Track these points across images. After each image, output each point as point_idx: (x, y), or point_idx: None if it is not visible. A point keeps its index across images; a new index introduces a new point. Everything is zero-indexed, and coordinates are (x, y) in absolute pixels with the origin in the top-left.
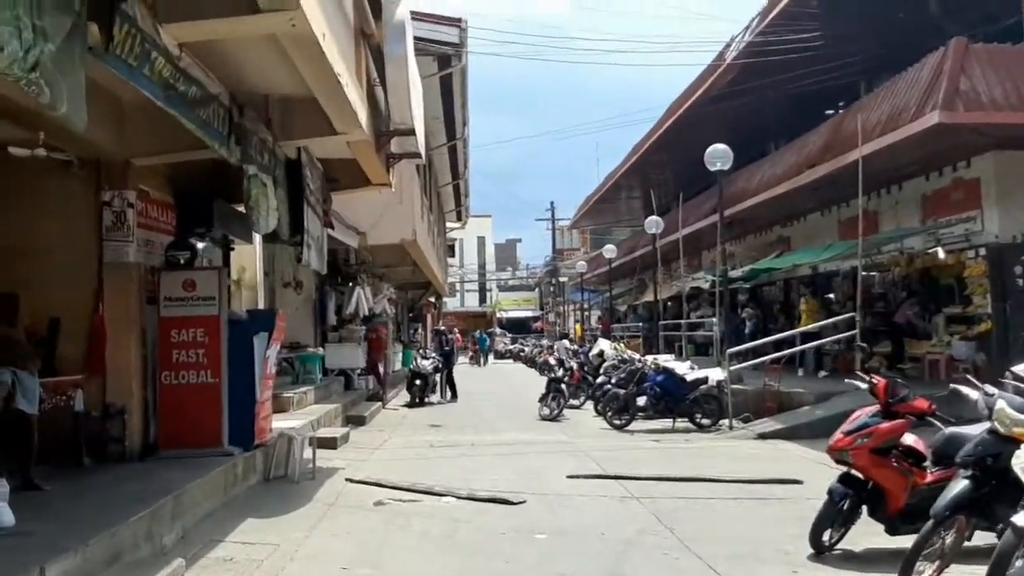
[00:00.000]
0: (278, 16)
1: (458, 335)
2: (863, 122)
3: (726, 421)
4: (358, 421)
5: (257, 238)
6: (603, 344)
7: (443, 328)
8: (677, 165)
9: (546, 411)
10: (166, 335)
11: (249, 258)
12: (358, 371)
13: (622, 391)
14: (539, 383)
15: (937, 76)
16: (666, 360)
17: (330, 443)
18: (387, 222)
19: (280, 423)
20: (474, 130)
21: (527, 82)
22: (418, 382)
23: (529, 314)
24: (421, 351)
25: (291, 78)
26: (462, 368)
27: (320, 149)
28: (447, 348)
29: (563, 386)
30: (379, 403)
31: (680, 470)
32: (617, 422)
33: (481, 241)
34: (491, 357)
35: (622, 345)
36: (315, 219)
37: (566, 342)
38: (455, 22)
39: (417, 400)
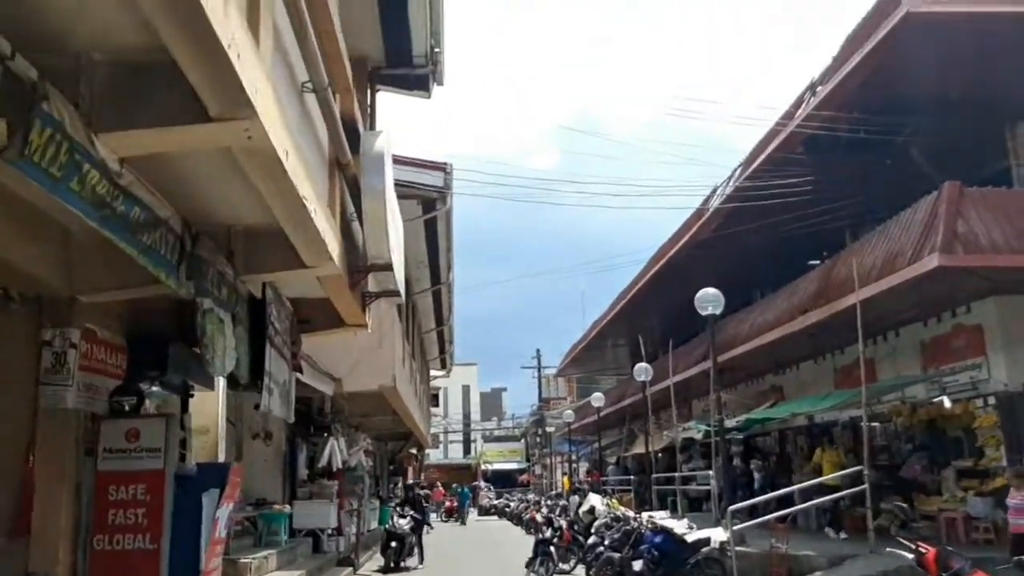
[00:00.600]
0: (231, 126)
1: (440, 489)
2: (857, 267)
3: None
4: None
5: (221, 384)
6: (594, 499)
7: (412, 483)
8: (665, 312)
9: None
10: (103, 492)
11: (212, 406)
12: (329, 531)
13: (617, 555)
14: (526, 543)
15: (933, 219)
16: (663, 518)
17: None
18: (365, 368)
19: None
20: (459, 278)
21: (513, 232)
22: (394, 544)
23: (515, 466)
24: (398, 508)
25: (255, 205)
26: (443, 527)
27: (290, 287)
28: (419, 505)
29: (552, 548)
30: (350, 569)
31: None
32: None
33: (466, 390)
34: (474, 513)
35: (614, 501)
36: (280, 362)
37: (596, 500)
38: (440, 166)
39: (392, 564)
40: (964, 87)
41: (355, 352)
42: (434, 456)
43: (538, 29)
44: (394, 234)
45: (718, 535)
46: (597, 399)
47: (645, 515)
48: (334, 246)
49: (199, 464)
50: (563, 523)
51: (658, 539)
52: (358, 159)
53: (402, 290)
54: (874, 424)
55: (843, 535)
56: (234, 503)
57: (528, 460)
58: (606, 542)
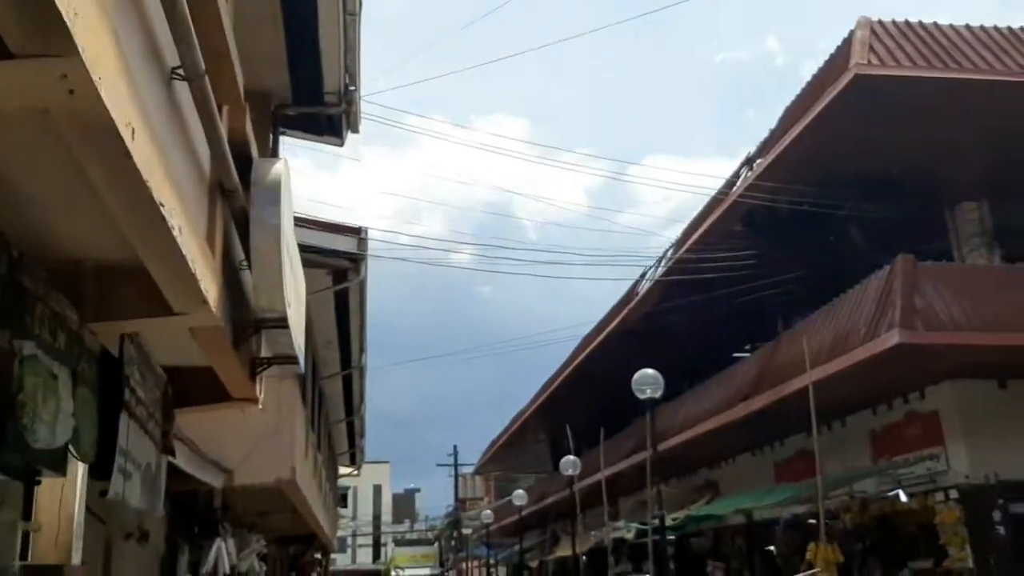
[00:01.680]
0: (40, 67)
1: None
2: (806, 346)
3: None
4: None
5: (80, 471)
6: None
7: None
8: (591, 404)
9: None
10: None
11: (67, 494)
12: None
13: None
14: None
15: (887, 294)
16: None
17: None
18: (260, 457)
19: None
20: (373, 376)
21: (432, 329)
22: None
23: (428, 572)
24: None
25: (107, 232)
26: None
27: (162, 349)
28: None
29: None
30: None
31: None
32: None
33: (377, 490)
34: None
35: None
36: (144, 439)
37: None
38: (354, 230)
39: None
40: (906, 164)
41: (249, 439)
42: (341, 561)
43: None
44: (292, 285)
45: None
46: (519, 497)
47: None
48: (210, 287)
49: (24, 567)
50: None
51: None
52: (249, 194)
53: (301, 358)
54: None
55: None
56: None
57: (442, 565)
58: None
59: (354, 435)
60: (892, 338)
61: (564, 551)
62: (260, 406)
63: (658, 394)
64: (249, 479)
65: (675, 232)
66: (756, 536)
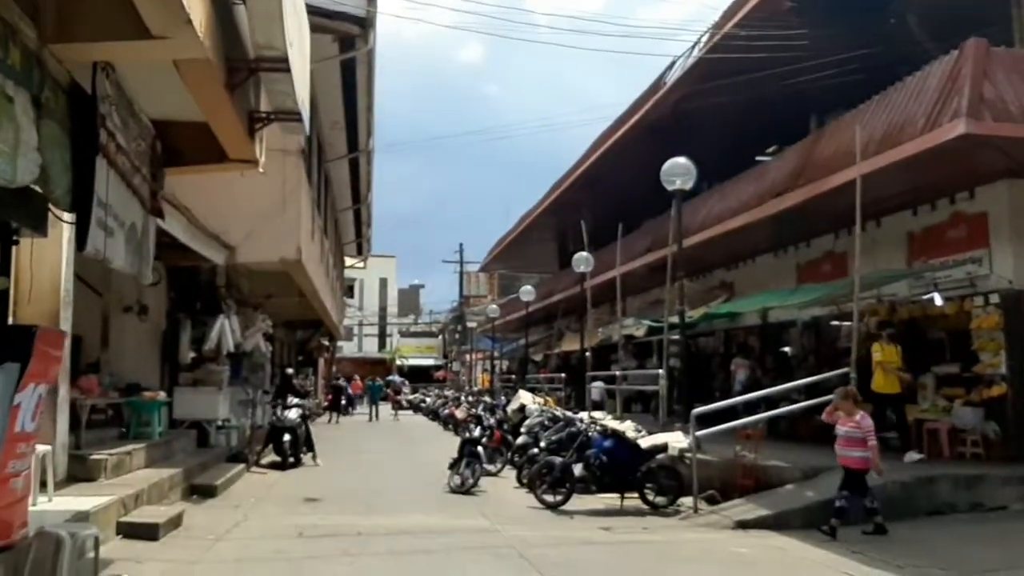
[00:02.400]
0: None
1: (357, 381)
2: (839, 146)
3: (687, 500)
4: (207, 492)
5: (64, 236)
6: (524, 397)
7: (342, 382)
8: (602, 204)
9: (457, 480)
10: None
11: (51, 259)
12: (218, 423)
13: (557, 459)
14: (444, 439)
15: (954, 81)
16: (610, 420)
17: (148, 532)
18: (265, 236)
19: (70, 500)
20: (380, 175)
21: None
22: (287, 437)
23: (432, 362)
24: (278, 400)
25: None
26: (354, 420)
27: (150, 98)
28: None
29: (480, 449)
30: (242, 465)
31: None
32: (550, 499)
33: (383, 283)
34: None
35: (549, 399)
36: (126, 194)
37: (526, 398)
38: None
39: (289, 460)
40: None
41: (254, 217)
42: (348, 349)
43: None
44: (294, 25)
45: (676, 441)
46: (527, 293)
47: (584, 415)
48: (194, 5)
49: None
50: (492, 422)
51: (608, 443)
52: None
53: (305, 114)
54: (846, 323)
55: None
56: (47, 384)
57: (445, 357)
58: (542, 443)
59: (361, 224)
60: (957, 128)
61: (569, 346)
62: (261, 169)
63: (688, 185)
64: (253, 257)
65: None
66: (770, 337)
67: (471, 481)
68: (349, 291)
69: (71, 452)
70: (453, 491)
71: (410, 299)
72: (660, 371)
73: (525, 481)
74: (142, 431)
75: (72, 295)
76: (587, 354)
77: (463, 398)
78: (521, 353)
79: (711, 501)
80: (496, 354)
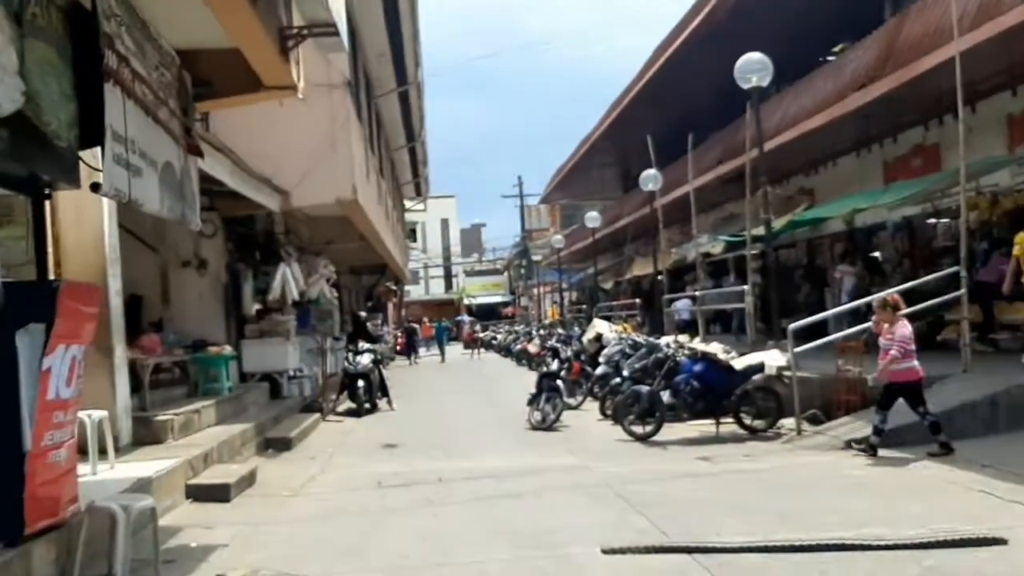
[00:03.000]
0: None
1: (427, 324)
2: (929, 25)
3: (787, 422)
4: (282, 445)
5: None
6: (600, 326)
7: (361, 313)
8: (664, 120)
9: (538, 416)
10: None
11: (91, 214)
12: (290, 374)
13: (644, 388)
14: (518, 375)
15: None
16: (697, 343)
17: (219, 493)
18: (317, 177)
19: (134, 466)
20: (430, 115)
21: (483, 61)
22: (360, 384)
23: (499, 299)
24: (350, 346)
25: None
26: (426, 362)
27: (172, 28)
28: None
29: (559, 382)
30: (317, 415)
31: (776, 518)
32: (639, 430)
33: (444, 223)
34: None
35: (627, 326)
36: (154, 130)
37: (603, 326)
38: None
39: (366, 406)
40: None
41: (305, 158)
42: (415, 292)
43: None
44: None
45: (773, 359)
46: (592, 219)
47: (668, 339)
48: None
49: (5, 284)
50: (569, 353)
51: (698, 367)
52: None
53: (343, 27)
54: (944, 221)
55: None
56: (82, 344)
57: (512, 293)
58: (624, 372)
59: (417, 163)
60: None
61: (641, 270)
62: (300, 95)
63: (765, 81)
64: (308, 200)
65: None
66: (859, 243)
67: (552, 416)
68: (411, 234)
69: (135, 415)
70: (534, 428)
71: (472, 238)
72: (745, 287)
73: (609, 413)
74: (211, 387)
75: (118, 250)
76: (660, 277)
77: (534, 332)
78: (590, 282)
79: (814, 421)
80: (564, 285)
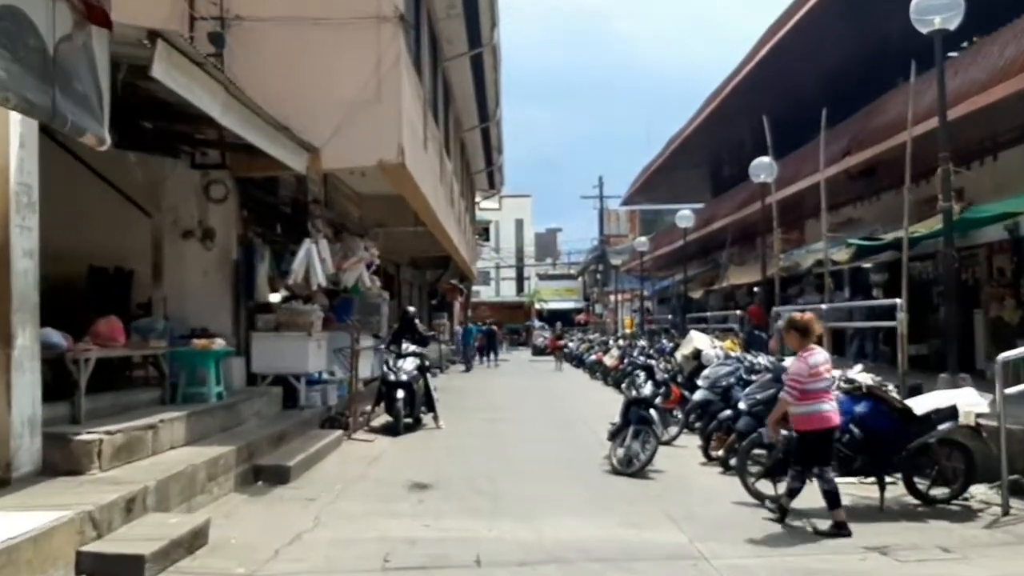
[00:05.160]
0: None
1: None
2: None
3: (977, 490)
4: (277, 476)
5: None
6: (699, 340)
7: (411, 310)
8: (776, 107)
9: (622, 455)
10: None
11: None
12: (311, 377)
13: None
14: (594, 390)
15: None
16: (859, 373)
17: (126, 570)
18: (357, 132)
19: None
20: (508, 121)
21: (565, 71)
22: (400, 394)
23: (572, 305)
24: (392, 347)
25: None
26: (482, 370)
27: None
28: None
29: (653, 412)
30: (340, 432)
31: None
32: (768, 491)
33: (519, 224)
34: (527, 353)
35: (732, 342)
36: None
37: (702, 341)
38: None
39: (408, 420)
40: None
41: (340, 107)
42: (485, 293)
43: None
44: None
45: (968, 402)
46: (685, 218)
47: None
48: None
49: None
50: (662, 373)
51: (861, 409)
52: None
53: None
54: None
55: None
56: None
57: (586, 299)
58: (742, 405)
59: (490, 149)
60: None
61: (738, 279)
62: None
63: (953, 24)
64: (343, 161)
65: None
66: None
67: (643, 458)
68: (484, 233)
69: (51, 430)
70: (617, 471)
71: (547, 243)
72: (899, 301)
73: (716, 455)
74: (193, 392)
75: (36, 191)
76: (756, 289)
77: (611, 343)
78: (676, 290)
79: (1017, 491)
80: (645, 293)
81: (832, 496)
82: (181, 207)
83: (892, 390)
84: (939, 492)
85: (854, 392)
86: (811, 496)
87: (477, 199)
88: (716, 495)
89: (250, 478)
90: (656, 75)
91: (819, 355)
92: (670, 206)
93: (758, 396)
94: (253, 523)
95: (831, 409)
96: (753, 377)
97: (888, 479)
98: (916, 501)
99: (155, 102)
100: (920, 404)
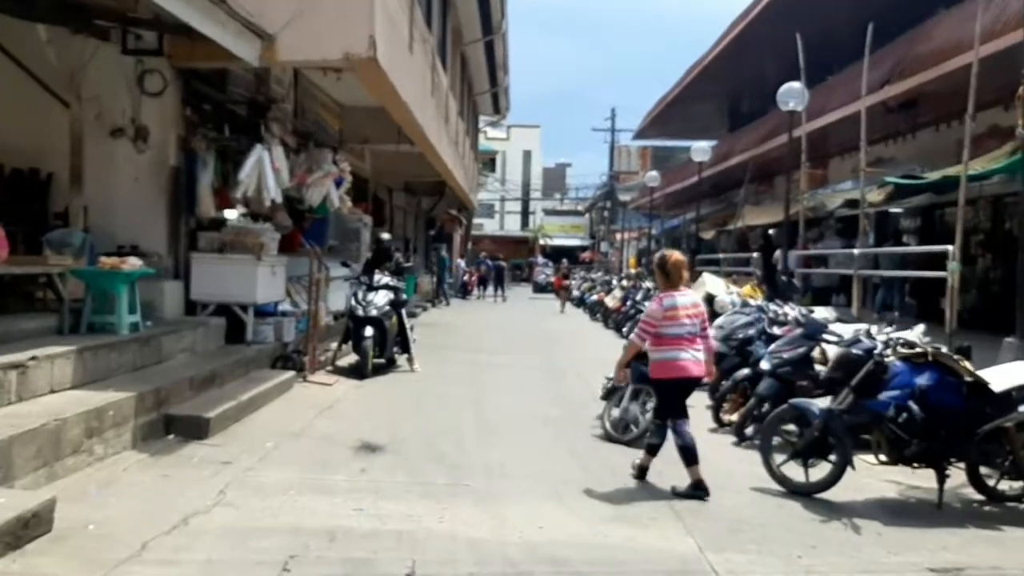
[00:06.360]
0: None
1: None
2: None
3: None
4: (193, 428)
5: None
6: (711, 283)
7: (384, 237)
8: (809, 31)
9: (616, 416)
10: None
11: None
12: (272, 309)
13: (814, 404)
14: (593, 333)
15: None
16: (915, 334)
17: None
18: (319, 18)
19: None
20: (519, 53)
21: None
22: (368, 332)
23: (577, 243)
24: (363, 279)
25: None
26: (470, 306)
27: None
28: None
29: None
30: (291, 373)
31: None
32: (798, 478)
33: (527, 156)
34: (528, 290)
35: (752, 288)
36: None
37: (716, 285)
38: None
39: (375, 363)
40: None
41: None
42: (489, 227)
43: None
44: None
45: None
46: (701, 151)
47: (863, 327)
48: None
49: None
50: None
51: (923, 380)
52: None
53: None
54: None
55: None
56: None
57: (592, 237)
58: (765, 364)
59: (495, 68)
60: None
61: (757, 219)
62: None
63: None
64: (302, 53)
65: None
66: None
67: (641, 424)
68: (491, 164)
69: None
70: (610, 437)
71: (555, 178)
72: (950, 248)
73: (729, 421)
74: (102, 322)
75: None
76: (771, 231)
77: (615, 283)
78: (684, 230)
79: None
80: (654, 232)
81: (687, 452)
82: (107, 99)
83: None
84: (1010, 487)
85: (915, 360)
86: (857, 487)
87: (482, 126)
88: (731, 477)
89: (159, 431)
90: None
91: (679, 298)
92: (684, 142)
93: (785, 355)
94: (134, 498)
95: (690, 359)
96: (778, 331)
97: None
98: (980, 497)
99: None
100: (998, 377)
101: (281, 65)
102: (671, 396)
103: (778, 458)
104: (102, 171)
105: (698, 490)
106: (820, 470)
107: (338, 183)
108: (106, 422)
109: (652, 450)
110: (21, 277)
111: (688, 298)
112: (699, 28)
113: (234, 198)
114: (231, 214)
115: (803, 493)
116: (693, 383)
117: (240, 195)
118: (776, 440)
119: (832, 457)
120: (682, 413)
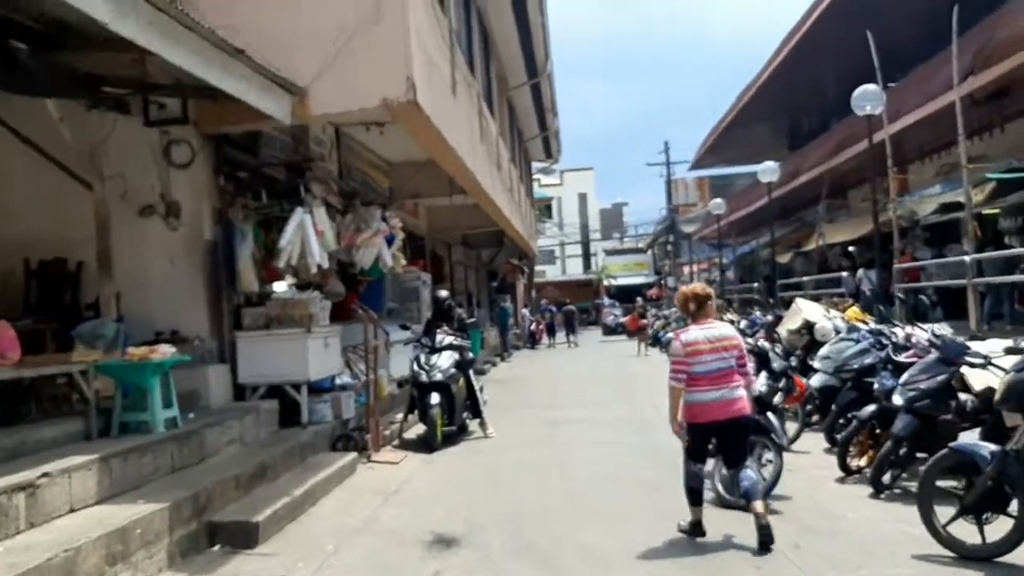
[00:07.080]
0: None
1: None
2: None
3: None
4: (241, 536)
5: None
6: (808, 309)
7: (443, 294)
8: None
9: (727, 479)
10: None
11: None
12: (313, 385)
13: (983, 447)
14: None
15: None
16: None
17: None
18: (352, 64)
19: None
20: (565, 100)
21: (620, 40)
22: (434, 399)
23: (642, 280)
24: (424, 340)
25: None
26: (541, 355)
27: None
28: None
29: (771, 417)
30: (354, 454)
31: None
32: (969, 541)
33: (582, 198)
34: (598, 333)
35: (854, 312)
36: None
37: (814, 311)
38: None
39: (444, 431)
40: None
41: (329, 35)
42: (551, 273)
43: None
44: None
45: None
46: (768, 171)
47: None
48: None
49: None
50: (777, 357)
51: None
52: None
53: None
54: None
55: None
56: None
57: (656, 273)
58: (897, 398)
59: (544, 111)
60: None
61: (836, 237)
62: None
63: None
64: (336, 104)
65: None
66: None
67: (765, 482)
68: (547, 210)
69: None
70: (723, 502)
71: (613, 217)
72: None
73: (858, 466)
74: (135, 420)
75: None
76: (851, 249)
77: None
78: (758, 256)
79: None
80: (724, 261)
81: (692, 493)
82: (133, 176)
83: None
84: None
85: None
86: None
87: (535, 174)
88: (884, 542)
89: (201, 543)
90: (719, 46)
91: (700, 331)
92: (741, 168)
93: (922, 385)
94: None
95: (717, 399)
96: (903, 359)
97: None
98: None
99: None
100: None
101: (315, 121)
102: (696, 441)
103: (941, 515)
104: (133, 254)
105: (695, 530)
106: (999, 528)
107: (389, 241)
108: (132, 543)
109: (693, 496)
110: (41, 379)
111: (715, 331)
112: (749, 51)
113: (278, 268)
114: (279, 286)
115: (981, 558)
116: (725, 427)
117: (284, 263)
118: (941, 493)
119: (1013, 510)
120: (700, 458)
